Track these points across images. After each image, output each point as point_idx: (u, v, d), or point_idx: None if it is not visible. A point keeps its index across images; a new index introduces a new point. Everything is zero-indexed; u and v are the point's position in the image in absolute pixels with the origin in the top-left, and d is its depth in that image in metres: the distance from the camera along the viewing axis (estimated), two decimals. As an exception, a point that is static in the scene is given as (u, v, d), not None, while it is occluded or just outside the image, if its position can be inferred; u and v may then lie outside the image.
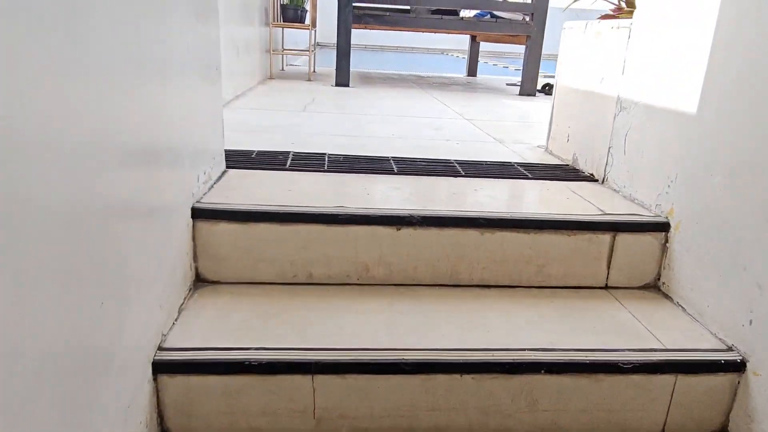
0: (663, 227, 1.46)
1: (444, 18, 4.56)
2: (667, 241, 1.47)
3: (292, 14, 4.90)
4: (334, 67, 4.57)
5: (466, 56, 7.02)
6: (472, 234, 1.42)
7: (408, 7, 4.50)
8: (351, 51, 4.50)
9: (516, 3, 4.67)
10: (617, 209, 1.55)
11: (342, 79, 4.56)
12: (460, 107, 3.69)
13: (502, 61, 12.08)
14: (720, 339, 1.26)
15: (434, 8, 4.65)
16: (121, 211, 0.91)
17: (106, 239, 0.85)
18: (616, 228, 1.45)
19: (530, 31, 4.61)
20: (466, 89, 5.10)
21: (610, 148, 1.80)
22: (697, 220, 1.36)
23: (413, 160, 1.98)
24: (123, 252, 0.91)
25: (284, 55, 5.72)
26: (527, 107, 3.92)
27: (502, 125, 3.02)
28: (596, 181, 1.87)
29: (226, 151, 1.77)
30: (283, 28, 5.31)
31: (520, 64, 10.84)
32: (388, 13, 4.52)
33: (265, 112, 3.01)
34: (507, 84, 5.82)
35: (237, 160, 1.82)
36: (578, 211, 1.51)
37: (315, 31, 5.51)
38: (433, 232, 1.41)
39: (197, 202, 1.38)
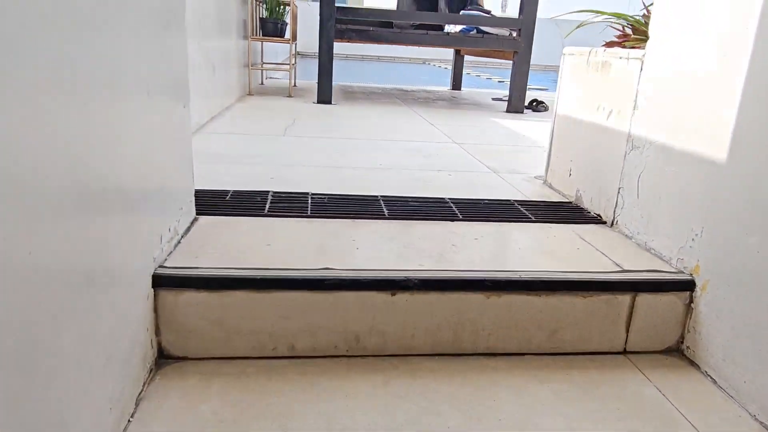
0: (687, 286, 1.31)
1: (429, 33, 4.42)
2: (691, 301, 1.32)
3: (272, 28, 4.72)
4: (316, 81, 4.39)
5: (449, 67, 6.90)
6: (476, 298, 1.25)
7: (392, 22, 4.35)
8: (332, 62, 4.33)
9: (503, 18, 4.54)
10: (635, 263, 1.39)
11: (324, 96, 4.39)
12: (449, 128, 3.54)
13: (486, 71, 12.02)
14: (762, 423, 1.11)
15: (418, 23, 4.51)
16: (49, 283, 0.72)
17: (25, 324, 0.66)
18: (637, 288, 1.30)
19: (517, 47, 4.49)
20: (452, 105, 4.97)
21: (620, 188, 1.65)
22: (729, 283, 1.21)
23: (404, 200, 1.81)
24: (53, 348, 0.73)
25: (264, 69, 5.53)
26: (518, 127, 3.79)
27: (494, 150, 2.87)
28: (604, 223, 1.72)
29: (197, 191, 1.58)
30: (262, 42, 5.13)
31: (504, 75, 10.81)
32: (371, 28, 4.36)
33: (243, 137, 2.82)
34: (493, 99, 5.70)
35: (209, 203, 1.63)
36: (592, 266, 1.36)
37: (295, 44, 5.33)
38: (432, 297, 1.24)
39: (160, 266, 1.19)
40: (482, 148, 2.92)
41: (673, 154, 1.40)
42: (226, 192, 1.76)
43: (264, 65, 5.66)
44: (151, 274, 1.15)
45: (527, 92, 4.84)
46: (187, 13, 1.42)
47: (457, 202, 1.83)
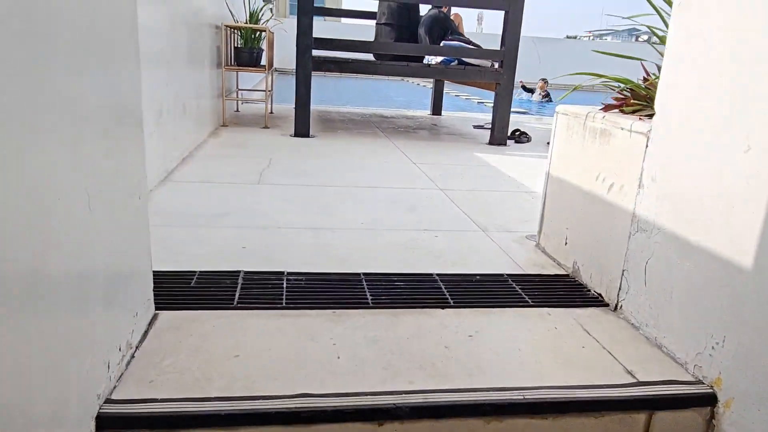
0: (708, 401, 1.18)
1: (410, 65, 4.30)
2: (713, 416, 1.19)
3: (248, 57, 4.55)
4: (293, 105, 4.21)
5: (428, 84, 6.81)
6: (474, 424, 1.10)
7: (371, 55, 4.22)
8: (310, 93, 4.18)
9: (485, 50, 4.45)
10: (648, 369, 1.25)
11: (301, 128, 4.23)
12: (431, 167, 3.40)
13: (466, 91, 11.99)
14: None
15: (398, 54, 4.39)
16: None
17: None
18: (654, 405, 1.16)
19: (500, 79, 4.39)
20: (433, 136, 4.84)
21: (624, 270, 1.52)
22: (759, 406, 1.07)
23: (389, 279, 1.65)
24: None
25: (239, 100, 5.36)
26: (502, 165, 3.67)
27: (480, 199, 2.73)
28: (607, 305, 1.58)
29: (158, 274, 1.41)
30: (237, 72, 4.96)
31: (483, 95, 10.76)
32: (350, 59, 4.22)
33: (214, 186, 2.64)
34: (474, 126, 5.61)
35: (172, 292, 1.45)
36: (603, 376, 1.21)
37: (272, 73, 5.18)
38: (425, 425, 1.08)
39: (107, 401, 1.01)
40: (467, 195, 2.78)
41: (688, 248, 1.27)
42: (191, 274, 1.58)
43: (240, 92, 5.49)
44: (95, 415, 0.97)
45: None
46: (157, 50, 1.25)
47: (447, 279, 1.67)
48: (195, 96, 3.54)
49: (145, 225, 1.25)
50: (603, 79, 1.73)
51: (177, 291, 1.47)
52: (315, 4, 4.04)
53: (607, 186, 1.60)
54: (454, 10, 5.68)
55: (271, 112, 5.64)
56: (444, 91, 6.65)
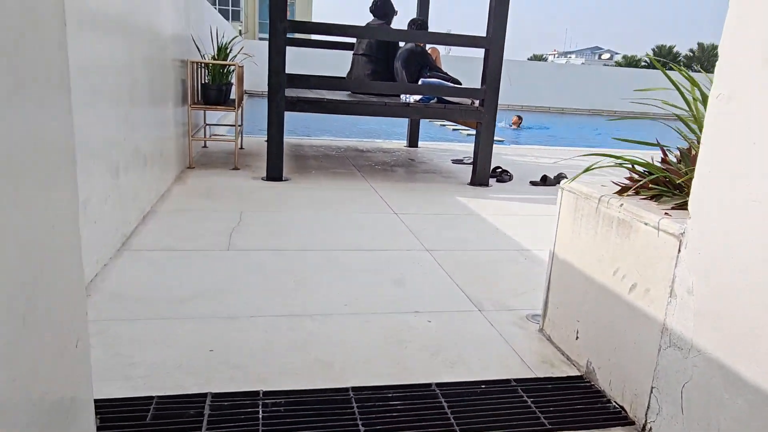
0: None
1: (388, 104, 4.11)
2: None
3: (215, 95, 4.30)
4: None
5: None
6: None
7: (346, 94, 4.02)
8: (283, 135, 3.96)
9: (465, 89, 4.30)
10: None
11: (274, 171, 3.99)
12: (413, 219, 3.20)
13: (438, 116, 11.87)
14: None
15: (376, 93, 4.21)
16: None
17: None
18: None
19: (481, 118, 4.24)
20: (412, 175, 4.64)
21: (653, 388, 1.32)
22: None
23: (382, 396, 1.42)
24: None
25: (207, 139, 5.10)
26: (488, 211, 3.48)
27: (471, 262, 2.53)
28: (632, 423, 1.38)
29: (103, 404, 1.15)
30: (204, 110, 4.70)
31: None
32: (325, 98, 4.01)
33: (177, 256, 2.38)
34: (453, 161, 5.44)
35: (122, 435, 1.20)
36: None
37: (242, 110, 4.94)
38: None
39: None
40: (456, 258, 2.58)
41: (740, 384, 1.08)
42: (147, 403, 1.32)
43: (208, 127, 5.23)
44: None
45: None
46: (113, 89, 1.01)
47: (448, 393, 1.45)
48: (158, 138, 3.27)
49: (79, 276, 0.98)
50: (613, 159, 1.54)
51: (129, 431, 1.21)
52: (288, 17, 3.84)
53: (628, 285, 1.41)
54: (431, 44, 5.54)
55: (242, 148, 5.39)
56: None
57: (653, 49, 44.20)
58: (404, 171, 4.85)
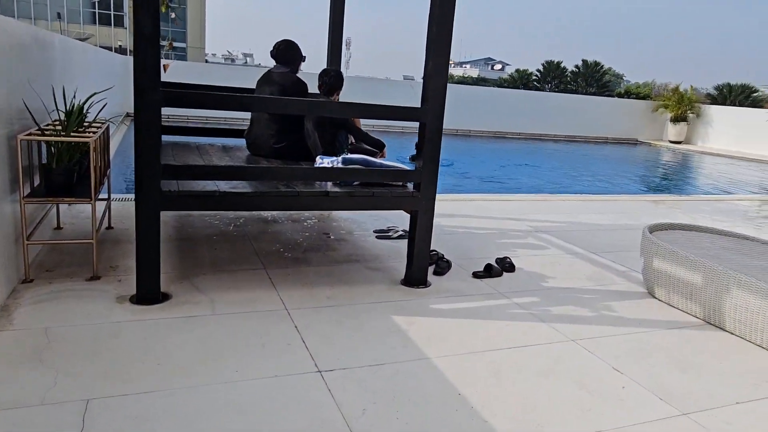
0: None
1: (301, 194, 3.19)
2: None
3: (63, 179, 3.15)
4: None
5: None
6: None
7: (248, 190, 3.07)
8: (159, 239, 2.92)
9: (397, 171, 3.48)
10: None
11: (147, 287, 2.94)
12: (345, 384, 2.30)
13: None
14: None
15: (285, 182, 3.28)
16: None
17: None
18: None
19: (417, 206, 3.44)
20: (330, 267, 3.71)
21: None
22: None
23: None
24: None
25: (49, 243, 3.90)
26: (435, 351, 2.66)
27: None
28: None
29: None
30: (44, 204, 3.51)
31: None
32: (218, 193, 3.02)
33: None
34: (377, 237, 4.61)
35: None
36: None
37: (109, 204, 3.80)
38: None
39: None
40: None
41: None
42: None
43: (50, 241, 4.03)
44: None
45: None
46: None
47: None
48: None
49: None
50: None
51: None
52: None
53: None
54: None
55: (109, 227, 4.22)
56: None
57: (543, 64, 46.30)
58: (320, 259, 3.93)
